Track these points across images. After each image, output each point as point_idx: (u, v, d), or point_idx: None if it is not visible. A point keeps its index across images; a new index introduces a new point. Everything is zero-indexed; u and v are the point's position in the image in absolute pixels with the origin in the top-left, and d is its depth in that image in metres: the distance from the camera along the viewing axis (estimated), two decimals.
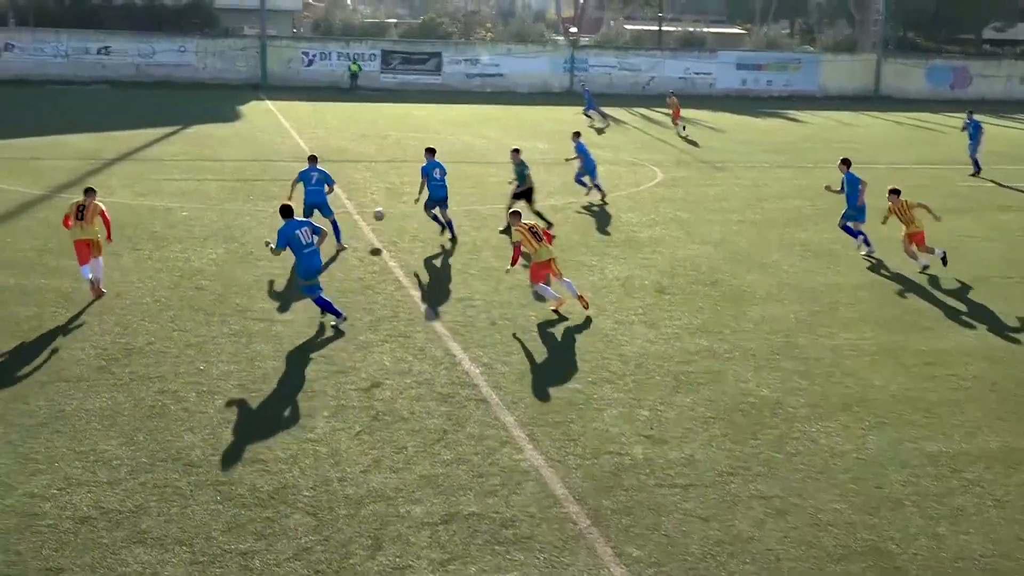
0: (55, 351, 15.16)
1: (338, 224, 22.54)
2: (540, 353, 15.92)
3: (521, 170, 24.70)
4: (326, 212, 22.26)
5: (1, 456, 11.64)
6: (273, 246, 16.45)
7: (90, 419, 12.76)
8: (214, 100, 57.91)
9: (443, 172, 23.50)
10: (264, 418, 13.01)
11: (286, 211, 16.65)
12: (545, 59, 75.02)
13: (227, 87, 66.28)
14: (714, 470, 11.90)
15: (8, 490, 10.83)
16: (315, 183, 22.33)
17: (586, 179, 29.30)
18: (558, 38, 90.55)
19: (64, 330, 16.17)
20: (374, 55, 72.26)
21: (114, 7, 79.15)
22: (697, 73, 76.05)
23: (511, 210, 20.25)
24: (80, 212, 17.82)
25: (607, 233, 25.01)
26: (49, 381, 13.95)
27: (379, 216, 21.01)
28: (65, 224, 18.16)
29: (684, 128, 49.00)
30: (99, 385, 13.90)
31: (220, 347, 15.63)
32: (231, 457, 11.80)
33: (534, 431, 12.84)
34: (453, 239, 23.33)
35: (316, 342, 16.03)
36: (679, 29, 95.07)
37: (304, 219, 16.58)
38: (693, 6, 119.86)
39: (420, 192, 23.66)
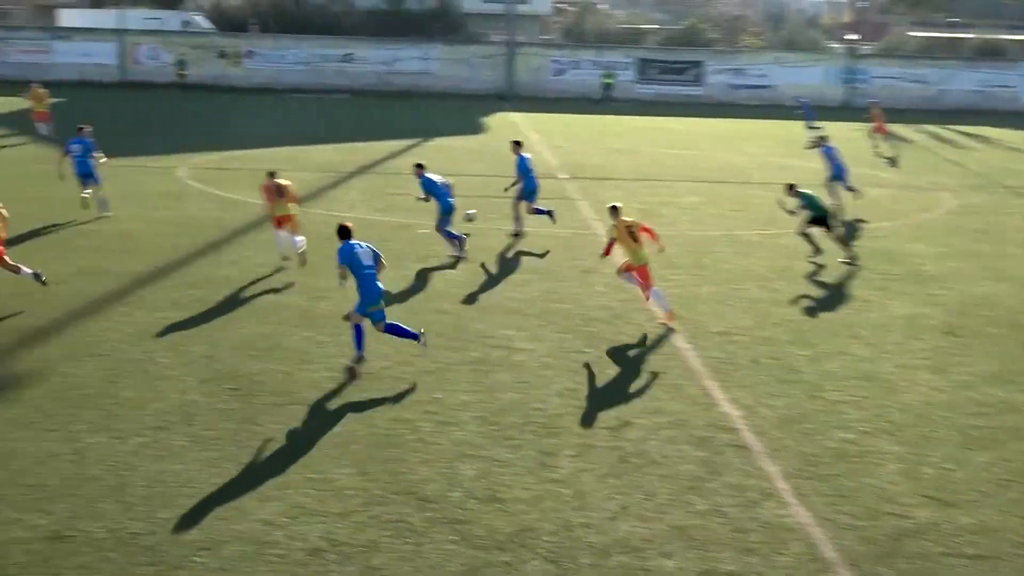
0: (289, 372, 15.81)
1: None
2: (809, 397, 15.59)
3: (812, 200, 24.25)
4: None
5: (234, 480, 12.21)
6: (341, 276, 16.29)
7: (323, 445, 13.24)
8: (457, 111, 59.46)
9: (532, 164, 26.32)
10: (502, 453, 13.20)
11: (345, 232, 16.38)
12: (819, 69, 73.74)
13: (471, 97, 67.89)
14: (1010, 540, 11.36)
15: (241, 515, 11.35)
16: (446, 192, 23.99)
17: (838, 185, 29.53)
18: (834, 45, 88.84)
19: (300, 351, 16.85)
20: (629, 64, 72.64)
21: (357, 12, 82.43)
22: (997, 86, 73.16)
23: (610, 205, 19.94)
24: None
25: (889, 265, 24.30)
26: (282, 403, 14.57)
27: (469, 218, 23.69)
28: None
29: (888, 144, 45.20)
30: (333, 410, 14.42)
31: (458, 375, 15.98)
32: (467, 494, 12.02)
33: (800, 484, 12.56)
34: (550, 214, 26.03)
35: (561, 373, 16.17)
36: (972, 36, 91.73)
37: (363, 243, 16.56)
38: (989, 11, 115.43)
39: (513, 186, 26.33)
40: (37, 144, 39.31)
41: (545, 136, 48.75)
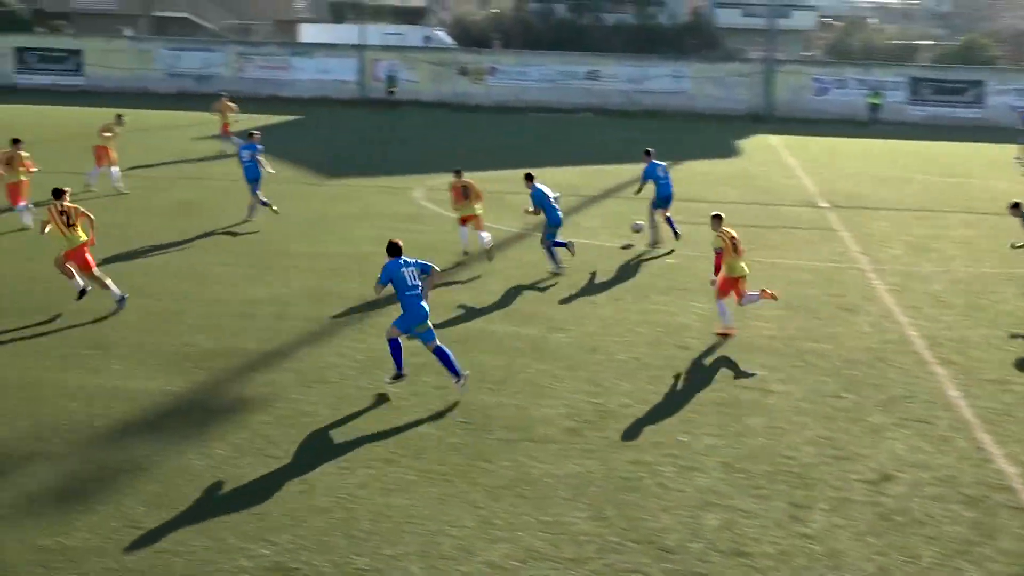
0: (523, 407, 15.96)
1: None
2: None
3: None
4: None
5: (462, 517, 12.38)
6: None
7: (557, 486, 13.30)
8: (710, 132, 59.19)
9: (666, 171, 28.33)
10: (749, 504, 12.99)
11: (394, 249, 16.49)
12: None
13: (725, 118, 67.47)
14: None
15: (467, 555, 11.49)
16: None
17: None
18: None
19: (534, 384, 16.99)
20: (899, 83, 70.95)
21: (604, 27, 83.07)
22: None
23: (713, 213, 20.71)
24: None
25: None
26: (515, 440, 14.71)
27: (636, 228, 26.04)
28: None
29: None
30: (568, 449, 14.48)
31: (704, 416, 15.83)
32: (710, 546, 11.87)
33: None
34: (677, 236, 27.56)
35: (816, 420, 15.84)
36: None
37: (411, 260, 16.56)
38: None
39: (639, 191, 29.24)
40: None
41: (804, 160, 48.02)
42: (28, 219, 27.42)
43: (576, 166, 43.51)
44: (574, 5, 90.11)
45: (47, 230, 20.24)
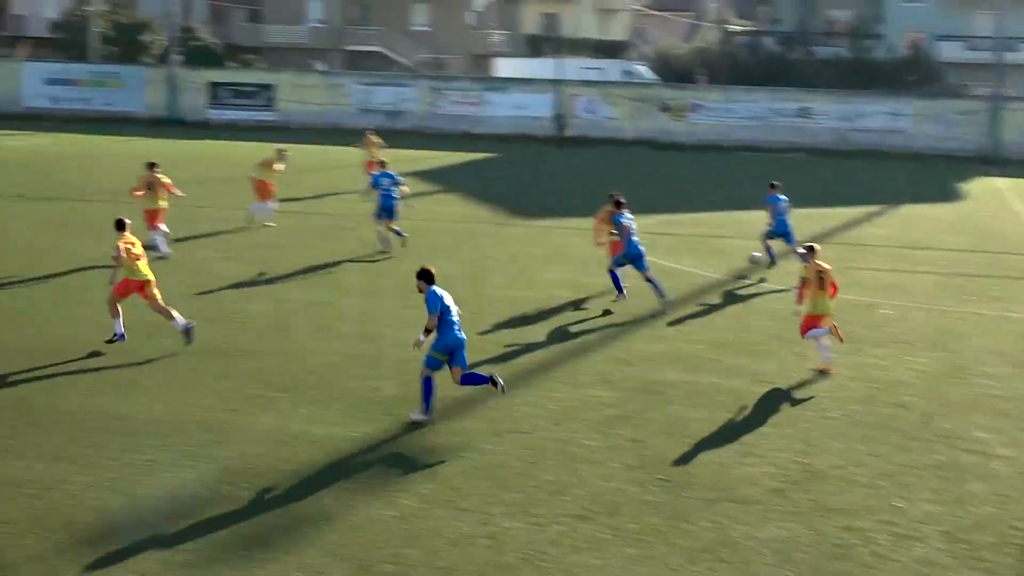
0: (725, 465, 15.78)
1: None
2: None
3: None
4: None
5: None
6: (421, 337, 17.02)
7: (760, 550, 13.10)
8: (930, 174, 57.96)
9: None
10: None
11: (428, 275, 17.10)
12: None
13: (948, 159, 65.92)
14: None
15: None
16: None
17: None
18: None
19: (737, 441, 16.79)
20: None
21: (816, 62, 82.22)
22: None
23: (806, 244, 21.06)
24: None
25: None
26: (716, 500, 14.54)
27: (754, 260, 26.42)
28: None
29: None
30: (773, 511, 14.25)
31: (922, 481, 15.43)
32: None
33: None
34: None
35: None
36: None
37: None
38: None
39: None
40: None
41: None
42: (163, 247, 28.51)
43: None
44: (784, 38, 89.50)
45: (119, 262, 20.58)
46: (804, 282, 20.50)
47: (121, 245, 20.40)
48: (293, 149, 53.91)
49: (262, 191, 34.30)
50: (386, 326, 22.73)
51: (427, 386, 17.06)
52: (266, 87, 76.09)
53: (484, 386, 17.33)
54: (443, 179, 49.28)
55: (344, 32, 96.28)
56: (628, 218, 25.38)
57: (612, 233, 25.38)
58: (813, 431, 17.32)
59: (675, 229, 36.95)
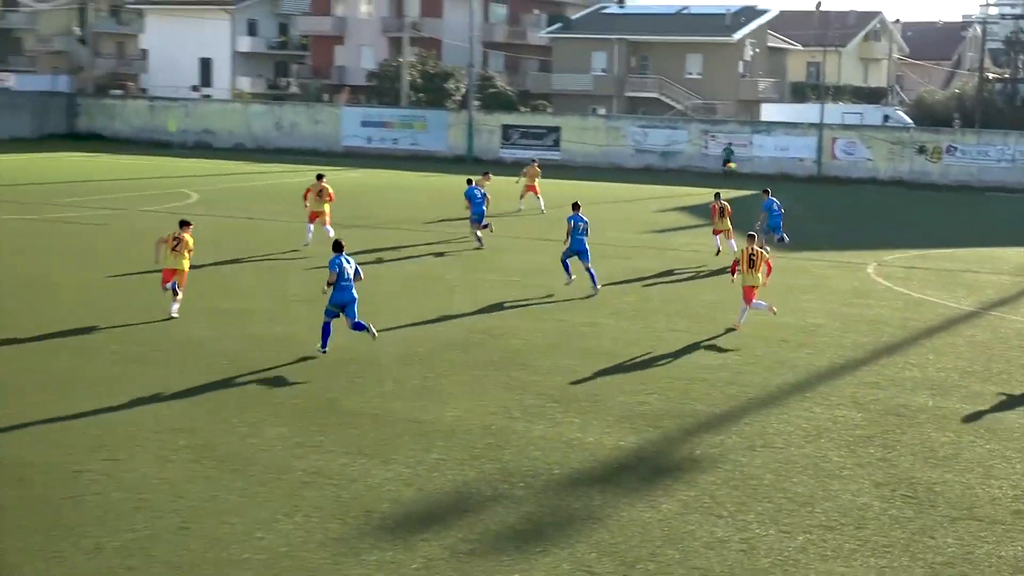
0: (969, 485, 15.20)
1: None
2: None
3: None
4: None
5: None
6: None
7: (1002, 567, 12.56)
8: None
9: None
10: None
11: (337, 246, 21.25)
12: None
13: None
14: None
15: None
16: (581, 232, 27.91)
17: None
18: None
19: (982, 464, 16.14)
20: None
21: None
22: None
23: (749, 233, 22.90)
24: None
25: None
26: (960, 518, 14.01)
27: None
28: None
29: None
30: (1016, 531, 13.65)
31: None
32: None
33: None
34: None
35: None
36: None
37: (351, 260, 21.12)
38: None
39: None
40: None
41: None
42: (309, 236, 33.62)
43: None
44: None
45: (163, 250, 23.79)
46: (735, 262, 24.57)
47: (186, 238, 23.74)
48: (574, 185, 54.75)
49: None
50: (651, 346, 22.71)
51: (325, 329, 20.97)
52: (552, 129, 77.12)
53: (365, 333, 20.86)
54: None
55: (624, 80, 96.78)
56: (580, 219, 28.28)
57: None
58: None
59: (928, 263, 35.89)
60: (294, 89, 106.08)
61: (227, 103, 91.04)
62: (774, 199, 36.05)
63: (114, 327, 22.83)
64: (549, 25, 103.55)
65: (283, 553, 12.29)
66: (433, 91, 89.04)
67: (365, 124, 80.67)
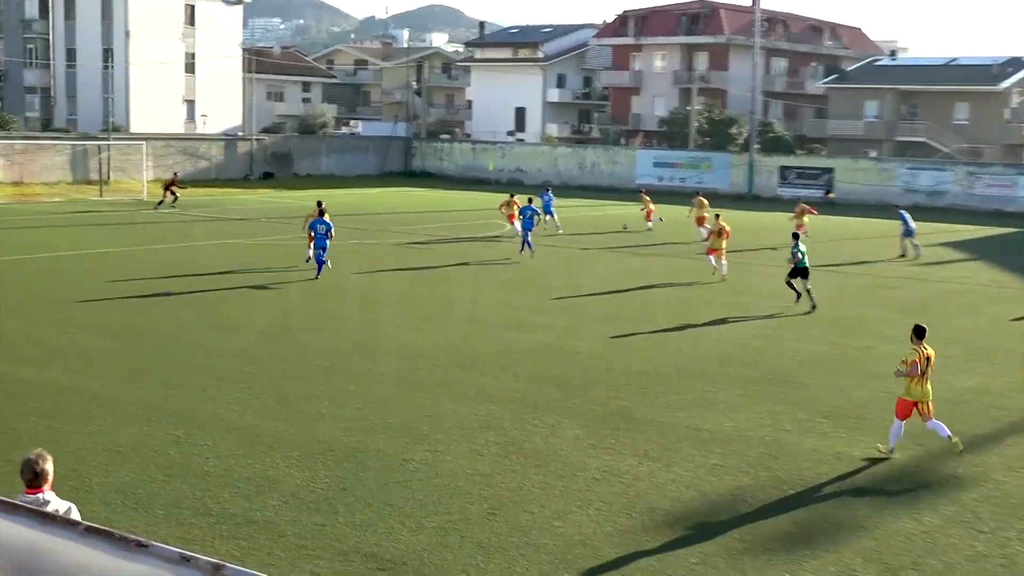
0: None
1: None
2: None
3: None
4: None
5: None
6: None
7: None
8: None
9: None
10: None
11: (319, 205, 30.65)
12: None
13: None
14: None
15: None
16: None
17: None
18: None
19: None
20: None
21: None
22: None
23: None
24: None
25: None
26: None
27: None
28: None
29: None
30: None
31: None
32: None
33: None
34: None
35: None
36: None
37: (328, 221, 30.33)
38: None
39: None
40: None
41: None
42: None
43: None
44: None
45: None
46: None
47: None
48: (844, 222, 53.12)
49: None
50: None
51: (319, 262, 30.36)
52: (826, 170, 75.00)
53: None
54: (975, 249, 46.60)
55: (895, 126, 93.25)
56: (532, 209, 37.09)
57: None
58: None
59: None
60: (595, 134, 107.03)
61: (537, 146, 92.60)
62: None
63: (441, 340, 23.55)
64: (825, 76, 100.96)
65: (577, 541, 12.32)
66: (718, 135, 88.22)
67: (657, 164, 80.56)
